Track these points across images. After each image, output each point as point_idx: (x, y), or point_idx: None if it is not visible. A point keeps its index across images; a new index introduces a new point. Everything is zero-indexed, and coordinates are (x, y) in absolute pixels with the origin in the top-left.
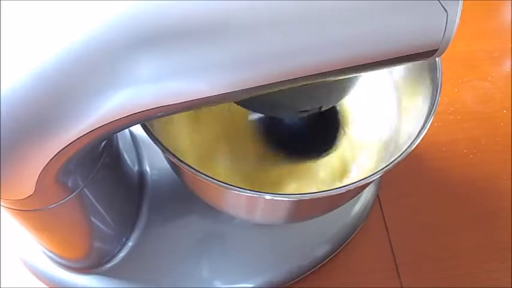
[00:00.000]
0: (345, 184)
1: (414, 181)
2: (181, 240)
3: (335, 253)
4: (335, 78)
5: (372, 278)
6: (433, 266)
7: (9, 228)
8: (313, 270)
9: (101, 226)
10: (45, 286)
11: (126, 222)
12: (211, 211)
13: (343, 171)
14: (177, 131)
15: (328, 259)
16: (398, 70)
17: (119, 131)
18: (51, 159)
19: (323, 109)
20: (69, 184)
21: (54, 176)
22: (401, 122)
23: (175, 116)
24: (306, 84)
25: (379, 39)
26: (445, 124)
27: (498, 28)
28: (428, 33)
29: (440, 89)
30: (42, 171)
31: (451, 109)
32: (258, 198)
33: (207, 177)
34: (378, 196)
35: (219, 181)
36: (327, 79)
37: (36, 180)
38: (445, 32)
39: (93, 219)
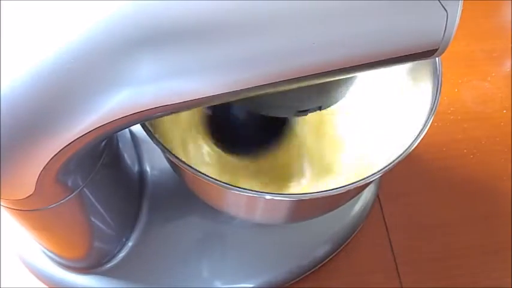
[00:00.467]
0: (344, 184)
1: (414, 181)
2: (181, 240)
3: (335, 253)
4: (335, 78)
5: (372, 278)
6: (433, 266)
7: (9, 227)
8: (313, 270)
9: (101, 226)
10: (45, 286)
11: (126, 222)
12: (211, 211)
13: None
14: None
15: (328, 259)
16: (399, 70)
17: (119, 131)
18: (51, 158)
19: (322, 109)
20: (69, 184)
21: (54, 176)
22: (402, 121)
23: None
24: (306, 84)
25: (379, 39)
26: (445, 124)
27: (498, 28)
28: (428, 33)
29: (440, 89)
30: (42, 170)
31: (451, 109)
32: (258, 198)
33: (207, 177)
34: (378, 196)
35: (219, 181)
36: (327, 79)
37: (36, 180)
38: (445, 32)
39: (93, 219)
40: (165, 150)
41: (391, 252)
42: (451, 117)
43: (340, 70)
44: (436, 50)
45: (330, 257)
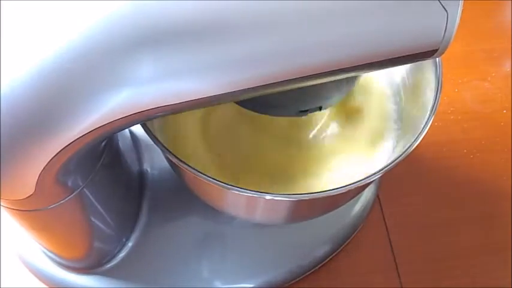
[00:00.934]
0: (345, 184)
1: (414, 181)
2: (182, 240)
3: (335, 253)
4: (335, 78)
5: (372, 278)
6: (433, 266)
7: (9, 227)
8: (313, 270)
9: (101, 226)
10: (45, 286)
11: (126, 222)
12: (211, 211)
13: None
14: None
15: (328, 259)
16: (399, 70)
17: (119, 131)
18: (52, 158)
19: (323, 109)
20: (69, 184)
21: (54, 176)
22: (402, 121)
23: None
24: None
25: (379, 39)
26: (445, 124)
27: (498, 28)
28: (429, 33)
29: (440, 89)
30: (42, 171)
31: (451, 109)
32: (258, 198)
33: (208, 177)
34: (378, 196)
35: (219, 181)
36: (327, 79)
37: (36, 180)
38: (445, 32)
39: (93, 219)
40: (165, 150)
41: (391, 252)
42: (451, 117)
43: (341, 70)
44: (437, 50)
45: (330, 257)
